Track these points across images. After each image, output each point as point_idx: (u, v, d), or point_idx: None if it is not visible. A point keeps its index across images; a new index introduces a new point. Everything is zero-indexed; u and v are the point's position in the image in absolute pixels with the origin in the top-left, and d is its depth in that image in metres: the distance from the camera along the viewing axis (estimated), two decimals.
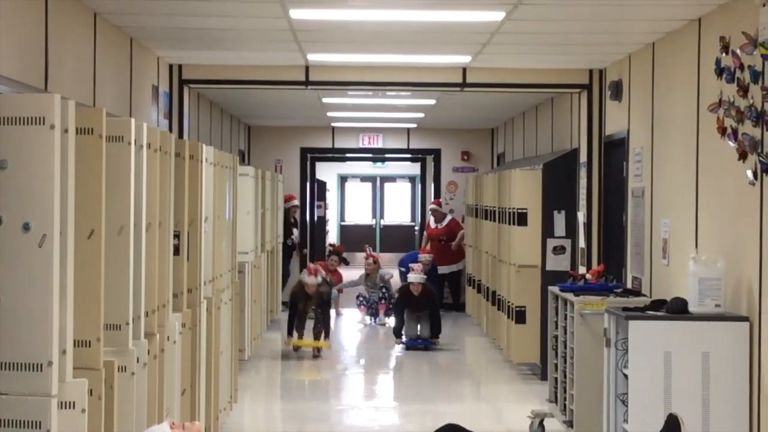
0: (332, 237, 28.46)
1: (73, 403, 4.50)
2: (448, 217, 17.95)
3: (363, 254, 17.68)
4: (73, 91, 6.82)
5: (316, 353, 12.67)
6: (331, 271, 16.28)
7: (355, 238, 29.28)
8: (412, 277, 13.49)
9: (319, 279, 12.81)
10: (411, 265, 14.01)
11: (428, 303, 13.60)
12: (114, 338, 5.32)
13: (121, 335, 5.37)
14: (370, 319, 16.32)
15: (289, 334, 12.95)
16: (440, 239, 17.60)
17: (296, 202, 18.44)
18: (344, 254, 19.43)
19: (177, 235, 7.02)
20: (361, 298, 16.63)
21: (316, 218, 21.97)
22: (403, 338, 13.53)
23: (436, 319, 13.59)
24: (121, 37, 8.40)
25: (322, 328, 12.83)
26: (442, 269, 17.16)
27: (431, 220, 18.05)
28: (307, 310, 12.95)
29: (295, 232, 18.16)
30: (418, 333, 13.59)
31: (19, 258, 4.19)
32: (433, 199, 19.32)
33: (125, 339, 5.40)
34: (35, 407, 4.18)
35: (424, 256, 15.88)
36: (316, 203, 22.22)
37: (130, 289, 5.44)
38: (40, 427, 4.17)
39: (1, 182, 4.17)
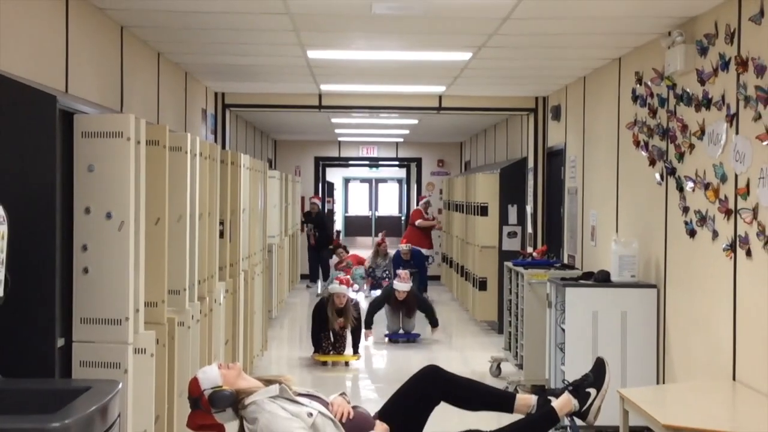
0: (338, 225, 28.46)
1: (144, 349, 4.53)
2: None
3: (365, 237, 17.55)
4: (142, 112, 6.84)
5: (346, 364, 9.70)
6: (344, 259, 15.61)
7: (355, 225, 29.47)
8: (397, 285, 10.83)
9: (350, 291, 9.79)
10: (398, 271, 11.18)
11: (413, 304, 10.97)
12: (175, 300, 5.36)
13: (180, 298, 5.41)
14: (369, 291, 15.42)
15: (316, 350, 9.77)
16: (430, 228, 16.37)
17: (315, 200, 17.19)
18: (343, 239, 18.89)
19: (222, 223, 7.04)
20: (370, 270, 15.61)
21: (326, 210, 21.98)
22: (372, 329, 10.61)
23: (428, 311, 10.96)
24: (178, 71, 8.41)
25: (353, 344, 9.87)
26: (427, 252, 15.79)
27: (423, 209, 16.28)
28: (341, 332, 9.74)
29: (308, 226, 16.79)
30: (401, 327, 11.12)
31: (103, 239, 4.21)
32: (426, 195, 18.74)
33: (183, 301, 5.43)
34: (116, 352, 4.21)
35: (402, 247, 14.63)
36: (326, 199, 22.24)
37: (187, 264, 5.47)
38: (119, 367, 4.20)
39: (90, 181, 4.19)
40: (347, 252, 16.20)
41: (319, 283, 16.42)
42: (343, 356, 9.67)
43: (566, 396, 4.25)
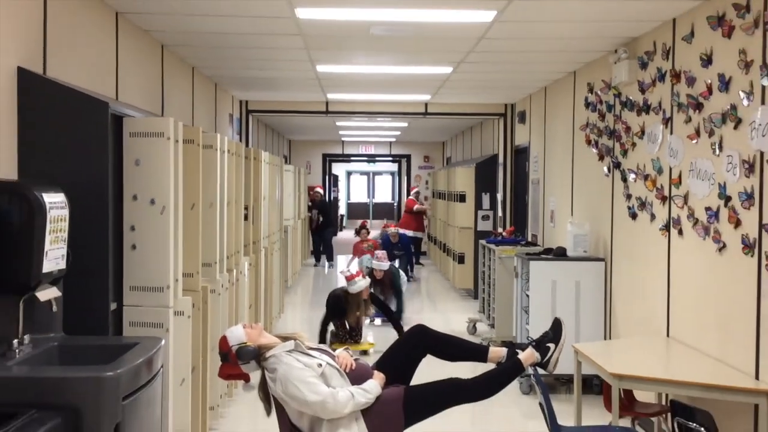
0: (342, 210, 28.43)
1: (183, 312, 4.54)
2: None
3: (364, 220, 17.49)
4: (179, 116, 6.82)
5: (363, 353, 8.07)
6: (365, 240, 15.33)
7: (356, 210, 29.57)
8: (375, 264, 9.62)
9: (367, 280, 8.13)
10: (377, 252, 9.92)
11: (389, 285, 9.60)
12: (207, 272, 5.37)
13: (211, 270, 5.42)
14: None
15: (322, 340, 8.01)
16: (423, 213, 15.89)
17: (318, 189, 16.75)
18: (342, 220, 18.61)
19: (246, 208, 7.05)
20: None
21: (332, 198, 21.97)
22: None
23: (398, 301, 9.50)
24: (209, 82, 8.39)
25: (396, 328, 8.08)
26: (417, 233, 15.26)
27: (414, 198, 15.85)
28: (358, 322, 8.31)
29: (313, 212, 16.36)
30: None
31: (148, 221, 4.21)
32: (415, 186, 18.61)
33: (214, 272, 5.44)
34: (159, 314, 4.21)
35: (390, 230, 13.84)
36: (332, 189, 22.21)
37: (217, 241, 5.48)
38: (162, 327, 4.21)
39: (137, 173, 4.19)
40: (369, 233, 15.87)
41: (325, 262, 16.29)
42: (360, 345, 8.24)
43: (530, 350, 4.27)
